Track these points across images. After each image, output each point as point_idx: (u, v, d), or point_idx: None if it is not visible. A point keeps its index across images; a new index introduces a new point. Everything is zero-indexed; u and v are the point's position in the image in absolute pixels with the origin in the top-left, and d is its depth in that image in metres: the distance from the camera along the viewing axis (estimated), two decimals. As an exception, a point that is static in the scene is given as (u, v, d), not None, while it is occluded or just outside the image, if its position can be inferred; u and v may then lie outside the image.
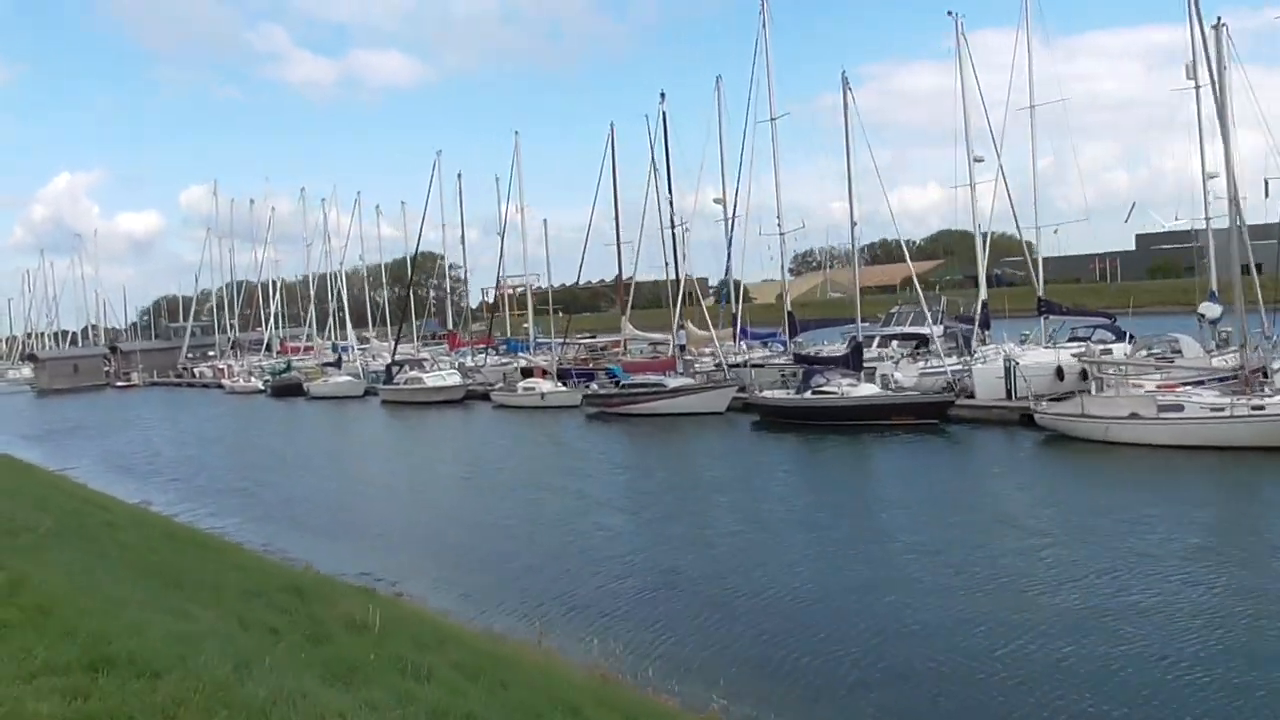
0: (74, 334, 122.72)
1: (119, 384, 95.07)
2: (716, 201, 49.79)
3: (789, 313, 47.00)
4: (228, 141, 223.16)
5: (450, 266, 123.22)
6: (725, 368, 42.80)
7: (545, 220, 78.44)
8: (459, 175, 67.10)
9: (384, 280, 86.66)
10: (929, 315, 41.62)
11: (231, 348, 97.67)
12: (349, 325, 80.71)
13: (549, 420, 44.66)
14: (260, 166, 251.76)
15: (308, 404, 62.25)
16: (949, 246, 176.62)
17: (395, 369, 56.09)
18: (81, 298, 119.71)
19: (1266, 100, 31.76)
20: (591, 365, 52.82)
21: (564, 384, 48.19)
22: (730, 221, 49.80)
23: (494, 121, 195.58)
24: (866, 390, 33.90)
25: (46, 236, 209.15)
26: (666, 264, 50.30)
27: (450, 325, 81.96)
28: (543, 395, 47.12)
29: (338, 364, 64.20)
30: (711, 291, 74.29)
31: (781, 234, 46.27)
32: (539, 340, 61.64)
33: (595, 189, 59.65)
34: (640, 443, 37.58)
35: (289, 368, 69.18)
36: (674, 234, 53.69)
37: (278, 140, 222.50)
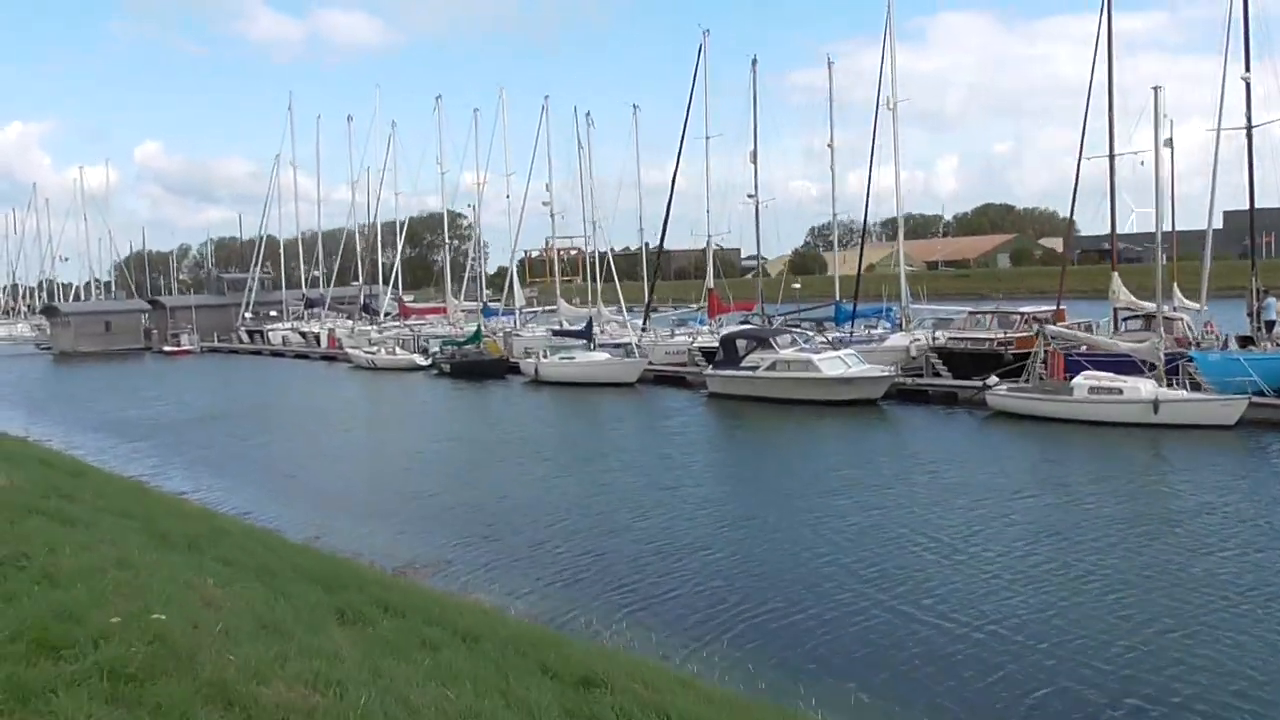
0: (84, 285, 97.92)
1: (166, 348, 71.95)
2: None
3: None
4: (188, 98, 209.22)
5: (466, 225, 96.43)
6: None
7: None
8: (702, 48, 43.38)
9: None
10: None
11: (306, 307, 74.97)
12: (515, 283, 57.84)
13: (1196, 451, 22.34)
14: (221, 125, 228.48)
15: (535, 391, 39.24)
16: (995, 220, 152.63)
17: (743, 344, 33.21)
18: (83, 244, 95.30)
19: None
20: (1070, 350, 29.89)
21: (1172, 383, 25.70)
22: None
23: (477, 83, 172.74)
24: None
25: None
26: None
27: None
28: (1156, 405, 24.60)
29: (586, 334, 40.86)
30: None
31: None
32: (913, 306, 39.04)
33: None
34: None
35: (478, 337, 45.99)
36: (1170, 150, 31.53)
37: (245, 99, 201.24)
